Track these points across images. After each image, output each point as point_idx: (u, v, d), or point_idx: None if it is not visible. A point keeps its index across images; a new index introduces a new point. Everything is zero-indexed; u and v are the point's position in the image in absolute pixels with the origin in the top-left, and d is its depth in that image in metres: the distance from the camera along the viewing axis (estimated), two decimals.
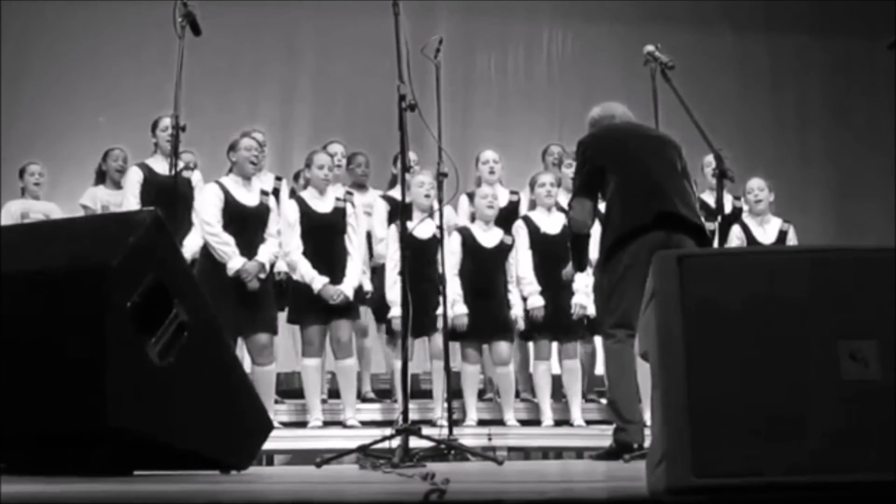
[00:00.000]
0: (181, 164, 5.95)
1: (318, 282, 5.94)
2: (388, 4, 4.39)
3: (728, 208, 6.77)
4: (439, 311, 5.86)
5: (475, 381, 6.38)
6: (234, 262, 5.69)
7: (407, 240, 4.92)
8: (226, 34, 8.12)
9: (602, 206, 4.75)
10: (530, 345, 6.62)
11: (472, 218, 6.52)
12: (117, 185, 6.64)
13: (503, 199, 6.73)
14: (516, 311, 6.32)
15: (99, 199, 6.61)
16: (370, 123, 7.36)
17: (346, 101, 8.81)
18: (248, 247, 5.78)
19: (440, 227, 5.39)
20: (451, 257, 6.23)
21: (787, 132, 9.29)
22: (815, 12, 9.30)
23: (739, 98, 9.06)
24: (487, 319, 6.26)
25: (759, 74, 9.49)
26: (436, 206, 5.96)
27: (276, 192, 6.20)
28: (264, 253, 5.82)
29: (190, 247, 5.84)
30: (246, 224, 5.83)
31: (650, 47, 4.41)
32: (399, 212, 4.54)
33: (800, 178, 8.34)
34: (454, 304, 6.19)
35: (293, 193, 6.50)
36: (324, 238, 6.05)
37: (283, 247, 6.01)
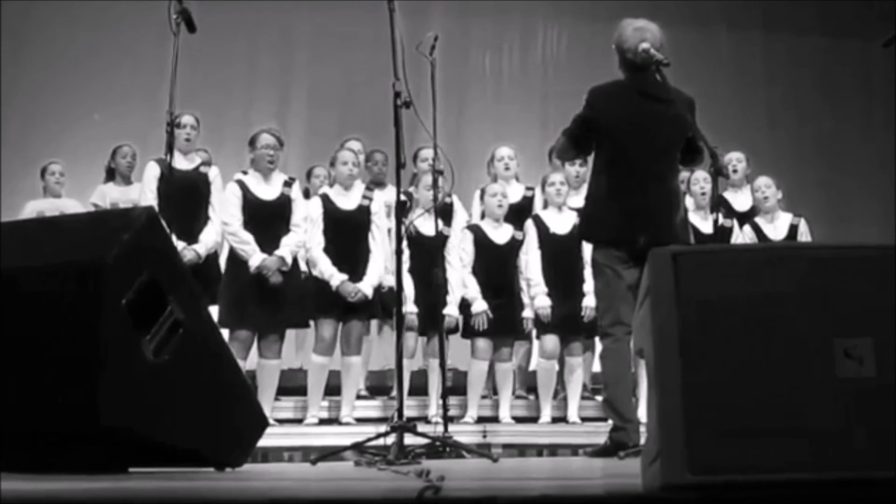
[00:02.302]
0: (199, 161, 6.12)
1: (336, 278, 5.96)
2: (383, 2, 4.39)
3: (748, 204, 6.84)
4: (446, 310, 5.90)
5: (482, 379, 6.39)
6: (254, 259, 5.82)
7: (412, 238, 4.94)
8: (221, 32, 8.12)
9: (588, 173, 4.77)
10: (535, 343, 6.63)
11: (483, 215, 6.53)
12: (127, 182, 6.73)
13: (516, 195, 6.74)
14: (527, 313, 6.34)
15: (108, 196, 6.68)
16: (365, 121, 7.35)
17: (342, 98, 8.80)
18: (271, 240, 5.90)
19: (449, 225, 5.41)
20: (464, 255, 6.27)
21: (783, 130, 9.30)
22: (810, 11, 9.30)
23: (734, 96, 9.06)
24: (499, 316, 6.28)
25: (755, 72, 9.49)
26: (448, 201, 6.04)
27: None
28: (285, 245, 5.91)
29: (206, 241, 6.02)
30: (266, 218, 5.93)
31: (645, 45, 4.39)
32: (398, 208, 4.54)
33: (795, 176, 8.34)
34: (474, 301, 6.23)
35: (307, 193, 6.55)
36: (346, 235, 6.08)
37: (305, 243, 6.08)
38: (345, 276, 5.97)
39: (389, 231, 6.09)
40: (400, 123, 4.24)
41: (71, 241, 3.19)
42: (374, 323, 6.56)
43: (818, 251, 1.93)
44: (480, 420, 6.30)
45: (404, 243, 4.62)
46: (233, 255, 5.96)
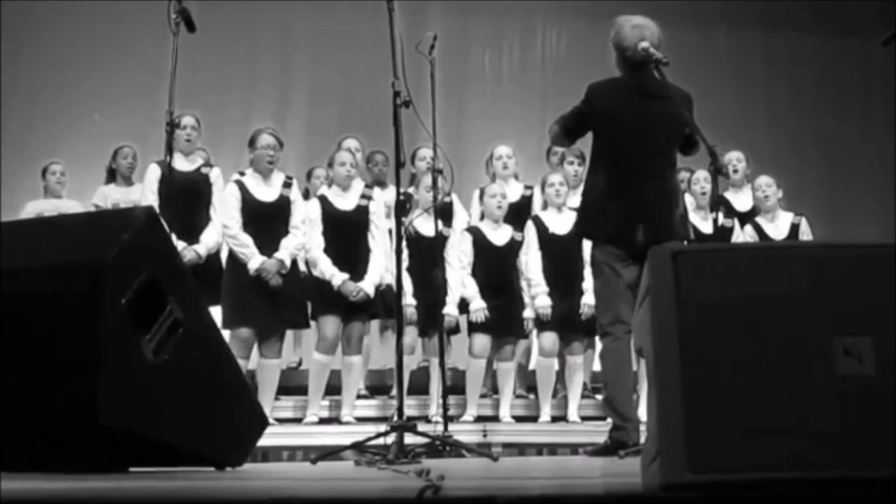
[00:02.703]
0: (200, 162, 6.13)
1: (337, 278, 5.97)
2: (382, 2, 4.39)
3: (749, 204, 6.85)
4: (445, 309, 5.91)
5: (480, 377, 6.40)
6: (254, 262, 5.82)
7: (412, 238, 4.94)
8: (221, 32, 8.13)
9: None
10: (534, 342, 6.64)
11: (482, 216, 6.53)
12: (128, 183, 6.74)
13: (515, 194, 6.74)
14: (527, 313, 6.34)
15: (110, 197, 6.69)
16: (365, 120, 7.36)
17: (341, 98, 8.80)
18: (271, 242, 5.91)
19: (449, 226, 5.43)
20: (463, 257, 6.27)
21: (782, 129, 9.30)
22: (809, 10, 9.30)
23: (734, 95, 9.06)
24: (500, 316, 6.28)
25: (754, 72, 9.49)
26: (447, 200, 6.04)
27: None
28: (284, 248, 5.91)
29: (206, 242, 6.02)
30: (266, 220, 5.94)
31: (645, 44, 4.39)
32: (398, 208, 4.54)
33: (795, 176, 8.35)
34: (472, 300, 6.25)
35: (307, 193, 6.57)
36: (346, 235, 6.09)
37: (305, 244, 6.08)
38: (346, 276, 5.98)
39: (390, 231, 6.09)
40: (399, 123, 4.24)
41: (71, 241, 3.19)
42: (375, 323, 6.56)
43: (818, 250, 1.93)
44: (480, 419, 6.31)
45: (404, 243, 4.63)
46: (233, 256, 5.96)
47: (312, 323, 6.22)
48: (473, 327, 6.28)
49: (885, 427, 1.78)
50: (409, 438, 4.11)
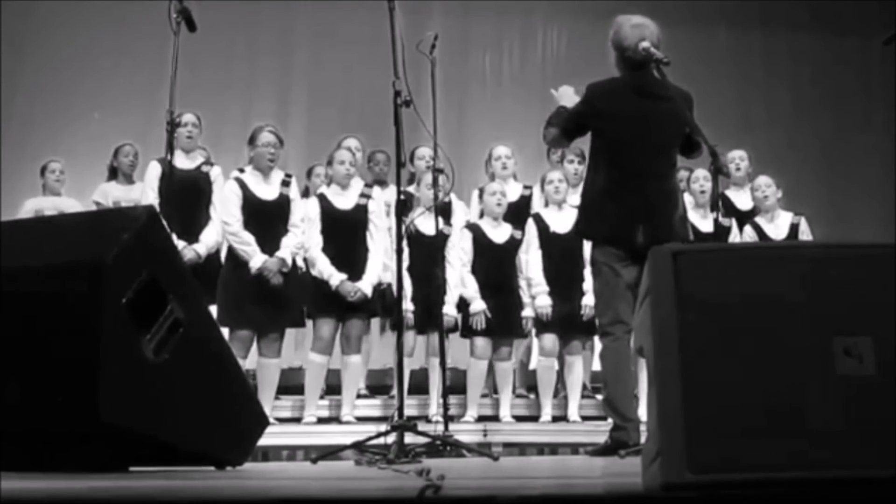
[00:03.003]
0: (200, 160, 6.13)
1: (335, 278, 5.96)
2: (383, 2, 4.39)
3: (751, 203, 6.84)
4: (444, 309, 5.92)
5: (482, 378, 6.40)
6: (255, 260, 5.81)
7: (412, 236, 4.93)
8: (221, 32, 8.13)
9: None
10: (534, 341, 6.63)
11: (481, 214, 6.53)
12: (129, 181, 6.74)
13: (514, 194, 6.74)
14: (527, 312, 6.34)
15: (110, 194, 6.70)
16: (366, 120, 7.36)
17: (342, 97, 8.80)
18: (271, 240, 5.90)
19: (449, 224, 5.44)
20: (462, 255, 6.27)
21: (782, 129, 9.29)
22: (809, 9, 9.30)
23: (734, 95, 9.06)
24: (499, 316, 6.28)
25: (754, 71, 9.49)
26: (448, 199, 6.04)
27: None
28: (285, 247, 5.90)
29: (206, 241, 6.03)
30: (266, 218, 5.93)
31: (645, 43, 4.39)
32: (399, 207, 4.55)
33: (795, 175, 8.35)
34: (472, 301, 6.24)
35: (307, 192, 6.56)
36: (345, 235, 6.08)
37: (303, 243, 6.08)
38: (344, 276, 5.97)
39: (390, 230, 6.09)
40: (400, 122, 4.24)
41: (71, 240, 3.19)
42: (375, 322, 6.56)
43: (818, 250, 1.93)
44: (481, 419, 6.31)
45: (404, 242, 4.63)
46: (232, 254, 5.95)
47: (309, 323, 6.21)
48: (472, 331, 6.27)
49: (886, 427, 1.78)
50: (410, 438, 4.12)
